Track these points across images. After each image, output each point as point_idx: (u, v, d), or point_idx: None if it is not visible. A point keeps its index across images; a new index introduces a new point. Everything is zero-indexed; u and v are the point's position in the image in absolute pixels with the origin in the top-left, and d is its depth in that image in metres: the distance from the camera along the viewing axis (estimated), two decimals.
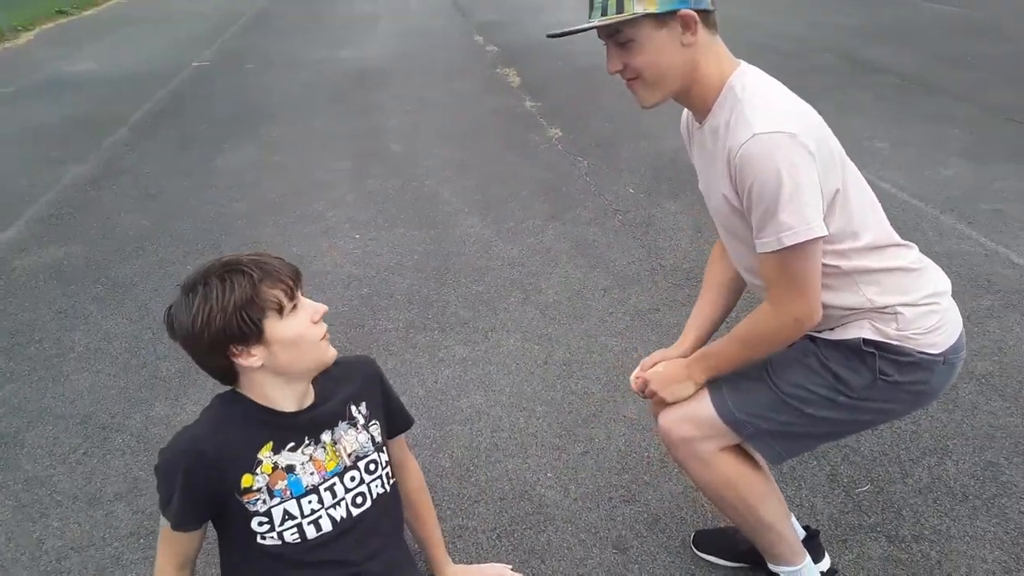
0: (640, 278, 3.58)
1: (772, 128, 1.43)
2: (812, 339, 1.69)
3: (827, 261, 1.55)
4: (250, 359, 1.43)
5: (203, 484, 1.45)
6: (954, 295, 3.33)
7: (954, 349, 1.64)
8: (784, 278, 1.51)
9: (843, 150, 1.60)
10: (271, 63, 8.73)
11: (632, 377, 1.89)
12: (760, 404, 1.69)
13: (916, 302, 1.61)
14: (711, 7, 1.55)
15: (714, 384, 1.73)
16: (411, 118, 6.34)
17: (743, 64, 1.60)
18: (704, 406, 1.72)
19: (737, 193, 1.51)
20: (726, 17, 7.09)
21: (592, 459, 2.47)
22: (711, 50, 1.56)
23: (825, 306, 1.57)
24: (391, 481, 1.69)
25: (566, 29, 1.58)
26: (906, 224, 3.96)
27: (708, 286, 1.98)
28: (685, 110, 1.76)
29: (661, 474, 2.39)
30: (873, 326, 1.60)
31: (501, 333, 3.20)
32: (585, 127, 5.84)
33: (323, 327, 1.48)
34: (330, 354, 1.51)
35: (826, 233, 1.47)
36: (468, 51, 9.04)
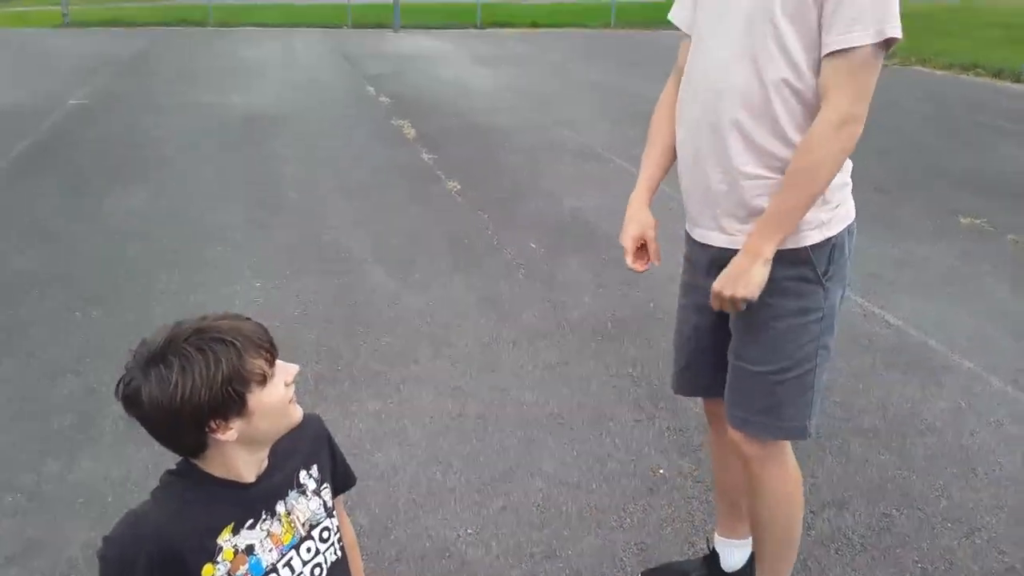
0: (548, 332, 3.64)
1: None
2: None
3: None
4: (228, 432, 1.34)
5: None
6: (839, 354, 3.54)
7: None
8: (856, 80, 1.52)
9: None
10: (157, 105, 8.48)
11: (631, 263, 1.96)
12: (792, 401, 1.74)
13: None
14: None
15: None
16: (307, 166, 6.28)
17: None
18: (754, 446, 1.80)
19: None
20: (609, 84, 7.43)
21: (511, 514, 2.48)
22: None
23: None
24: (341, 545, 1.65)
25: None
26: None
27: (656, 141, 1.96)
28: None
29: (580, 528, 2.42)
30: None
31: (413, 386, 3.18)
32: (484, 183, 5.93)
33: (292, 387, 1.43)
34: (298, 415, 1.44)
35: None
36: (361, 102, 9.05)
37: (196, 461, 1.39)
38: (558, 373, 3.30)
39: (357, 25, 16.86)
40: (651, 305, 3.94)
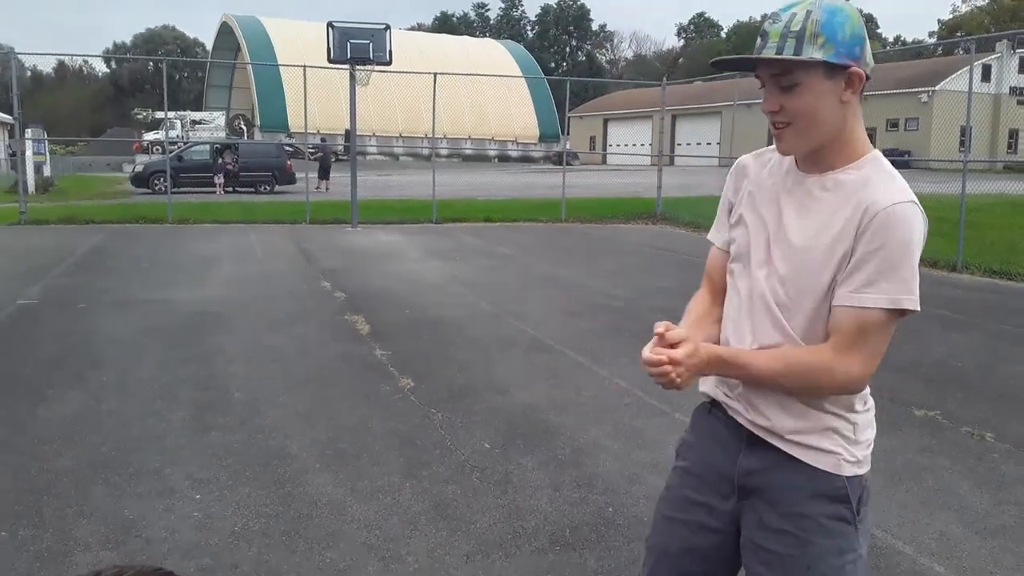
0: (503, 542, 3.46)
1: (918, 206, 1.55)
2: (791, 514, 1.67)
3: None
4: None
5: None
6: None
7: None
8: (866, 339, 1.56)
9: None
10: (102, 303, 8.40)
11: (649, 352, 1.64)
12: None
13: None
14: (871, 75, 1.59)
15: None
16: (254, 365, 6.17)
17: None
18: None
19: (853, 245, 1.56)
20: (560, 277, 7.59)
21: None
22: (858, 115, 1.62)
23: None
24: None
25: (739, 56, 1.64)
26: None
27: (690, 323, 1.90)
28: (749, 156, 1.80)
29: None
30: (841, 437, 1.65)
31: None
32: (437, 379, 5.86)
33: None
34: None
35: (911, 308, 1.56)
36: (314, 296, 9.08)
37: None
38: None
39: (315, 221, 17.26)
40: (610, 510, 3.79)
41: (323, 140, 30.90)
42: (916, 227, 1.53)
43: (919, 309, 1.56)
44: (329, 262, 11.71)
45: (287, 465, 4.24)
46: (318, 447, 4.51)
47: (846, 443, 1.63)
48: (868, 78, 1.58)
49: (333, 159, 30.81)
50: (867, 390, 1.68)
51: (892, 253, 1.52)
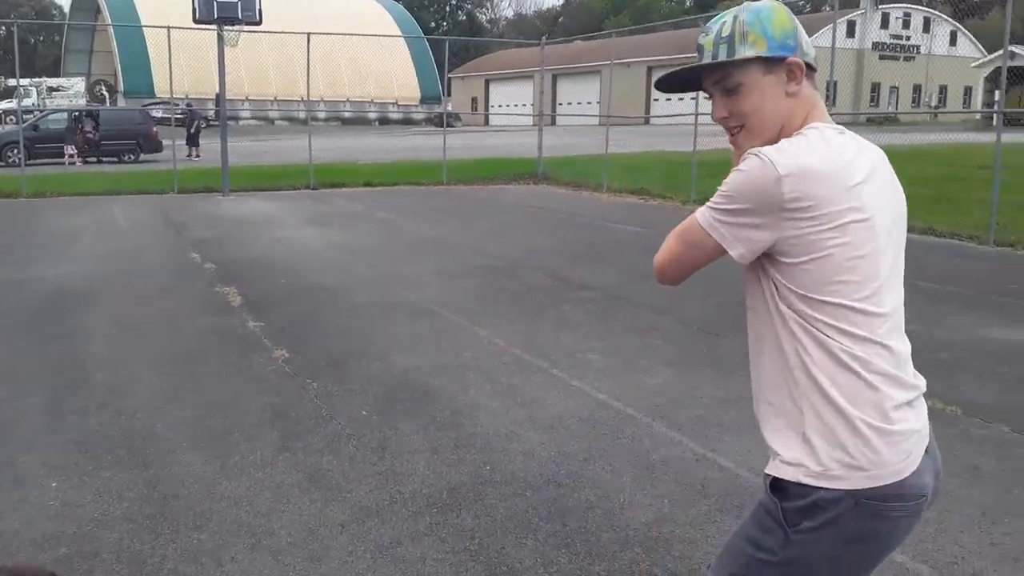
0: (379, 509, 3.43)
1: (771, 156, 1.52)
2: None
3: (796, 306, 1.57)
4: None
5: None
6: (673, 502, 3.50)
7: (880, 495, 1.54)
8: (679, 229, 1.66)
9: (886, 223, 1.59)
10: None
11: None
12: None
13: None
14: (815, 65, 1.63)
15: None
16: (118, 343, 5.89)
17: (834, 125, 1.63)
18: None
19: None
20: (442, 240, 7.52)
21: None
22: (808, 102, 1.63)
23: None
24: None
25: (676, 69, 1.69)
26: (623, 433, 4.20)
27: None
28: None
29: None
30: (788, 440, 1.59)
31: None
32: (314, 347, 5.74)
33: None
34: None
35: (723, 245, 1.58)
36: (183, 269, 8.74)
37: None
38: (390, 555, 3.08)
39: (184, 190, 16.57)
40: (488, 468, 3.82)
41: (189, 105, 29.42)
42: (752, 168, 1.54)
43: (712, 234, 1.59)
44: (199, 233, 11.28)
45: (152, 446, 4.08)
46: (186, 425, 4.35)
47: (791, 447, 1.58)
48: (812, 67, 1.64)
49: (204, 125, 29.47)
50: (830, 394, 1.55)
51: (727, 179, 1.59)
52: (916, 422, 1.59)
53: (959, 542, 3.13)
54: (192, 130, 26.88)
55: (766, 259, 1.58)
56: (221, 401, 4.70)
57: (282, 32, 23.04)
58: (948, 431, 4.11)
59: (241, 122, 51.43)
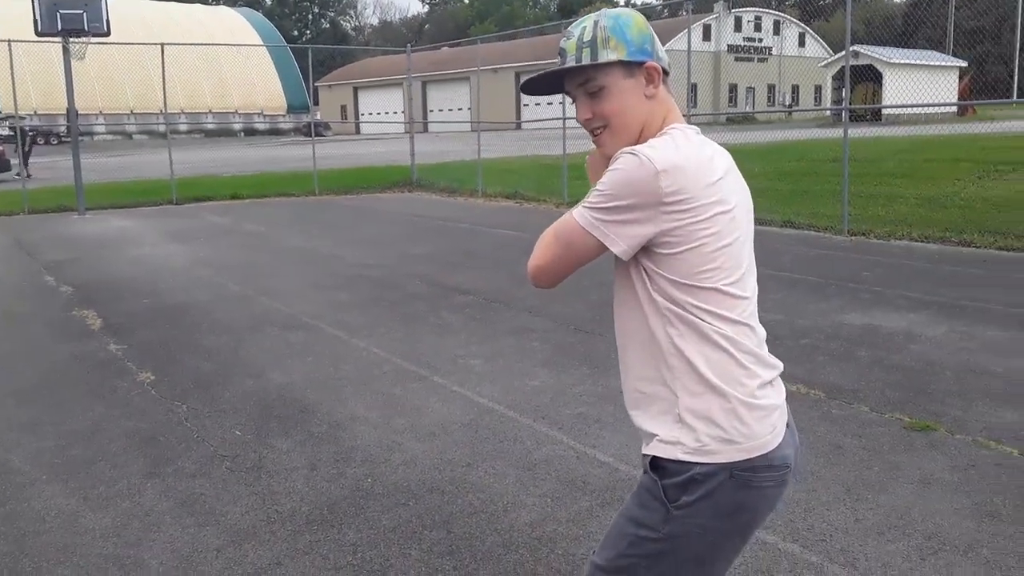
0: (256, 530, 3.32)
1: (647, 154, 1.59)
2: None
3: (671, 294, 1.64)
4: None
5: None
6: (556, 501, 3.54)
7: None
8: (554, 232, 1.69)
9: (743, 216, 1.70)
10: None
11: None
12: None
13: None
14: (668, 69, 1.73)
15: None
16: None
17: (690, 126, 1.72)
18: None
19: None
20: (315, 251, 7.35)
21: None
22: (665, 104, 1.73)
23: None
24: None
25: (540, 73, 1.73)
26: (506, 436, 4.22)
27: None
28: None
29: None
30: (661, 420, 1.66)
31: None
32: (182, 368, 5.51)
33: None
34: None
35: (604, 243, 1.62)
36: (36, 294, 8.23)
37: None
38: None
39: (36, 211, 15.63)
40: (369, 481, 3.75)
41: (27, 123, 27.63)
42: (629, 166, 1.60)
43: (592, 232, 1.63)
44: (53, 254, 10.65)
45: (8, 480, 3.82)
46: (45, 457, 4.09)
47: (668, 428, 1.65)
48: (666, 72, 1.74)
49: (39, 142, 27.70)
50: (701, 373, 1.64)
51: (598, 183, 1.65)
52: (778, 398, 1.71)
53: (826, 519, 3.29)
54: (26, 148, 25.32)
55: (641, 251, 1.65)
56: (82, 429, 4.45)
57: (134, 43, 22.10)
58: (812, 413, 4.31)
59: (96, 137, 49.01)
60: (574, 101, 1.76)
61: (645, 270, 1.65)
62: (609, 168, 1.63)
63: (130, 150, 38.78)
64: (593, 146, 1.81)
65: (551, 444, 4.11)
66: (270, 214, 14.79)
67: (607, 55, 1.67)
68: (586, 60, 1.68)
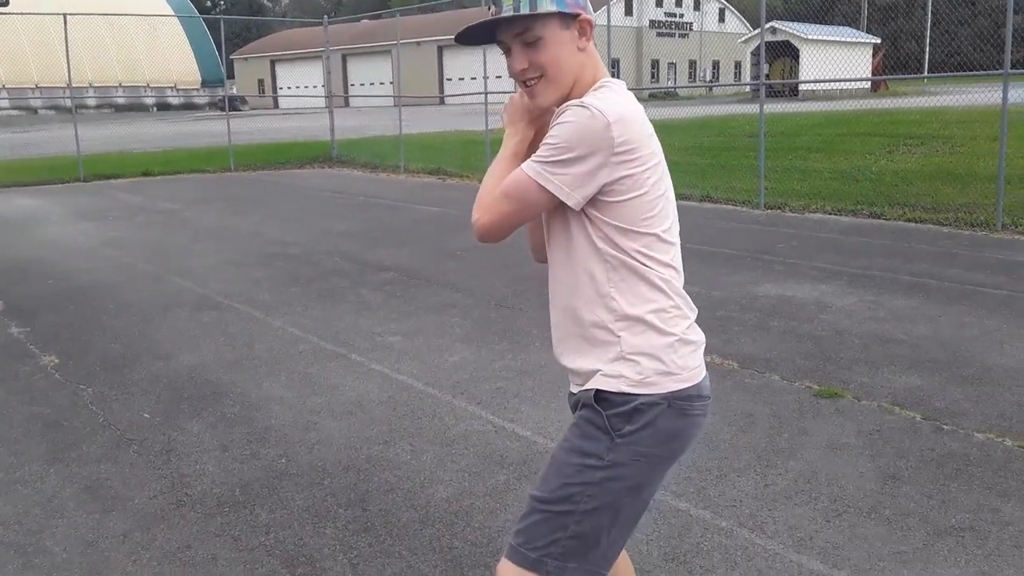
0: (165, 514, 3.23)
1: (596, 106, 1.64)
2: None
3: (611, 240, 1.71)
4: None
5: None
6: (473, 475, 3.53)
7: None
8: (503, 189, 1.72)
9: (663, 160, 1.77)
10: None
11: None
12: (540, 531, 1.72)
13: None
14: (595, 22, 1.79)
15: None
16: None
17: (618, 80, 1.79)
18: (505, 566, 1.75)
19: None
20: (230, 228, 7.16)
21: None
22: (594, 58, 1.79)
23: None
24: None
25: (480, 20, 1.74)
26: (424, 412, 4.19)
27: None
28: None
29: None
30: (599, 355, 1.74)
31: None
32: (88, 350, 5.31)
33: None
34: None
35: (558, 196, 1.67)
36: None
37: None
38: (178, 559, 2.91)
39: None
40: (284, 461, 3.69)
41: None
42: (575, 119, 1.65)
43: (545, 185, 1.68)
44: None
45: None
46: None
47: (611, 364, 1.74)
48: (593, 25, 1.78)
49: None
50: (643, 313, 1.73)
51: (553, 131, 1.69)
52: (701, 336, 1.83)
53: (736, 486, 3.36)
54: None
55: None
56: None
57: (35, 13, 21.11)
58: (726, 383, 4.40)
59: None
60: (507, 53, 1.77)
61: (589, 218, 1.72)
62: (557, 122, 1.68)
63: (36, 125, 37.14)
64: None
65: (470, 419, 4.10)
66: (183, 191, 14.36)
67: (545, 5, 1.70)
68: (524, 10, 1.70)
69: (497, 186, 1.75)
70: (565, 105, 1.70)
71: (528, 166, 1.70)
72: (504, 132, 1.89)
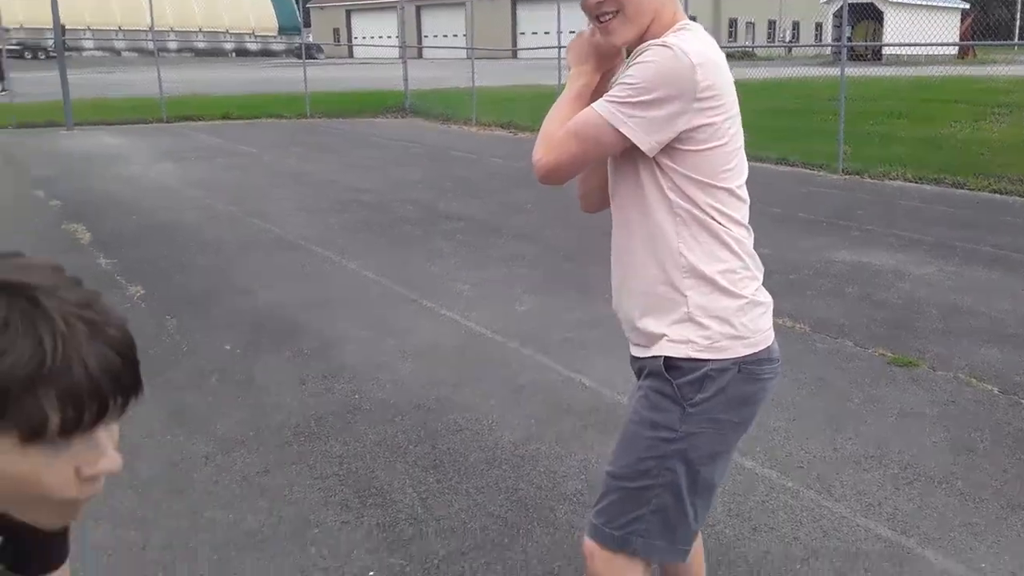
0: (245, 440, 3.37)
1: (681, 46, 1.54)
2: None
3: (684, 192, 1.62)
4: None
5: None
6: (540, 422, 3.59)
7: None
8: (572, 128, 1.63)
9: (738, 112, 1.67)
10: None
11: None
12: (621, 509, 1.68)
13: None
14: None
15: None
16: None
17: (694, 23, 1.68)
18: (591, 546, 1.71)
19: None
20: (307, 174, 7.28)
21: None
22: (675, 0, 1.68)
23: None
24: None
25: None
26: (492, 359, 4.26)
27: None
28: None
29: None
30: (666, 319, 1.66)
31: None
32: (171, 284, 5.51)
33: (94, 487, 0.85)
34: (77, 516, 0.89)
35: (632, 139, 1.57)
36: (25, 207, 8.18)
37: None
38: (257, 484, 3.04)
39: (23, 124, 15.40)
40: (357, 397, 3.80)
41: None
42: (657, 58, 1.56)
43: (620, 128, 1.57)
44: (42, 169, 10.54)
45: None
46: None
47: (677, 328, 1.66)
48: None
49: (27, 56, 26.95)
50: (712, 273, 1.65)
51: (632, 70, 1.58)
52: (769, 298, 1.75)
53: (805, 448, 3.35)
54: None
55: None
56: None
57: None
58: (797, 347, 4.36)
59: (85, 53, 48.01)
60: None
61: (661, 167, 1.62)
62: (636, 61, 1.58)
63: (120, 67, 38.07)
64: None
65: (537, 368, 4.16)
66: (262, 135, 14.62)
67: None
68: None
69: (560, 126, 1.66)
70: (645, 44, 1.59)
71: (601, 105, 1.59)
72: (568, 75, 1.79)
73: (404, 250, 6.47)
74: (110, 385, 0.78)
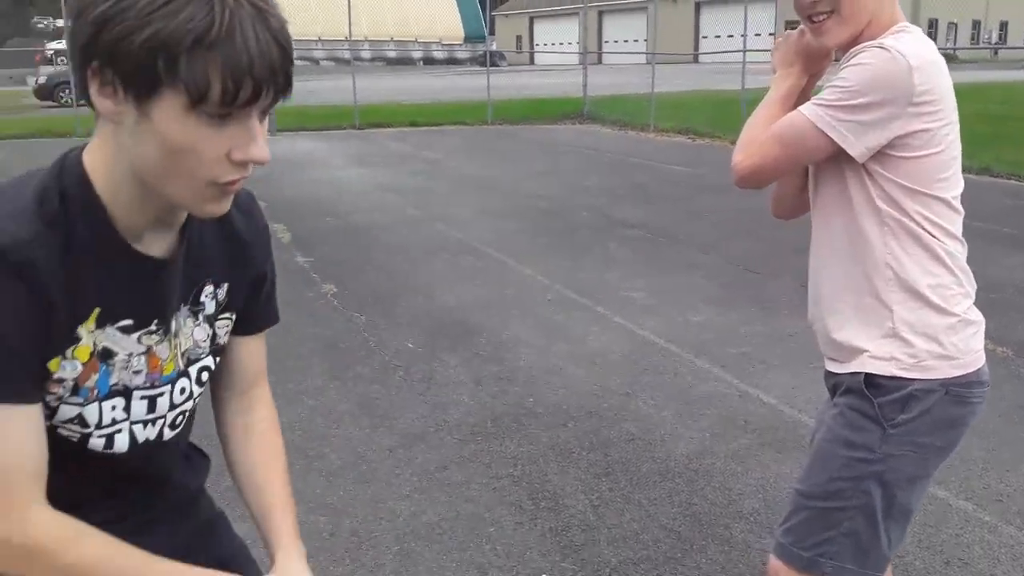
0: (425, 435, 3.53)
1: (898, 48, 1.47)
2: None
3: (893, 199, 1.55)
4: (103, 102, 0.89)
5: (39, 320, 0.91)
6: (714, 436, 3.55)
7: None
8: (777, 132, 1.59)
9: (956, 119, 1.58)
10: None
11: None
12: (810, 529, 1.63)
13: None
14: None
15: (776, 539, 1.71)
16: None
17: (914, 26, 1.61)
18: (777, 566, 1.67)
19: None
20: (487, 180, 7.50)
21: None
22: (893, 1, 1.60)
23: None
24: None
25: None
26: (666, 369, 4.23)
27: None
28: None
29: None
30: (873, 334, 1.59)
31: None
32: (360, 282, 5.84)
33: (241, 172, 0.96)
34: (218, 209, 1.00)
35: (840, 144, 1.51)
36: None
37: (85, 163, 0.97)
38: (436, 479, 3.18)
39: None
40: (531, 400, 3.89)
41: None
42: (878, 59, 1.49)
43: (825, 130, 1.52)
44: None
45: None
46: None
47: (880, 343, 1.59)
48: None
49: None
50: (923, 287, 1.57)
51: (843, 72, 1.53)
52: (980, 317, 1.64)
53: (1004, 480, 3.13)
54: None
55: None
56: (275, 331, 4.79)
57: None
58: (999, 371, 4.06)
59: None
60: None
61: (870, 173, 1.55)
62: (850, 63, 1.52)
63: (317, 75, 40.51)
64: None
65: (712, 380, 4.10)
66: (445, 142, 15.15)
67: None
68: None
69: (763, 129, 1.61)
70: (861, 46, 1.52)
71: (808, 108, 1.54)
72: (772, 78, 1.73)
73: (579, 256, 6.54)
74: (266, 71, 0.85)
